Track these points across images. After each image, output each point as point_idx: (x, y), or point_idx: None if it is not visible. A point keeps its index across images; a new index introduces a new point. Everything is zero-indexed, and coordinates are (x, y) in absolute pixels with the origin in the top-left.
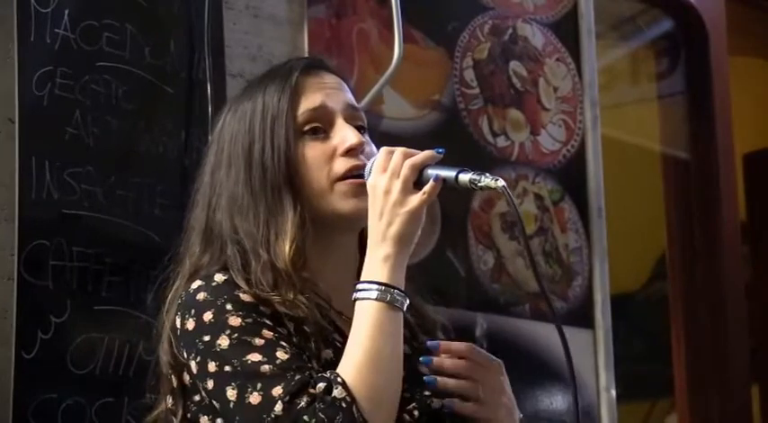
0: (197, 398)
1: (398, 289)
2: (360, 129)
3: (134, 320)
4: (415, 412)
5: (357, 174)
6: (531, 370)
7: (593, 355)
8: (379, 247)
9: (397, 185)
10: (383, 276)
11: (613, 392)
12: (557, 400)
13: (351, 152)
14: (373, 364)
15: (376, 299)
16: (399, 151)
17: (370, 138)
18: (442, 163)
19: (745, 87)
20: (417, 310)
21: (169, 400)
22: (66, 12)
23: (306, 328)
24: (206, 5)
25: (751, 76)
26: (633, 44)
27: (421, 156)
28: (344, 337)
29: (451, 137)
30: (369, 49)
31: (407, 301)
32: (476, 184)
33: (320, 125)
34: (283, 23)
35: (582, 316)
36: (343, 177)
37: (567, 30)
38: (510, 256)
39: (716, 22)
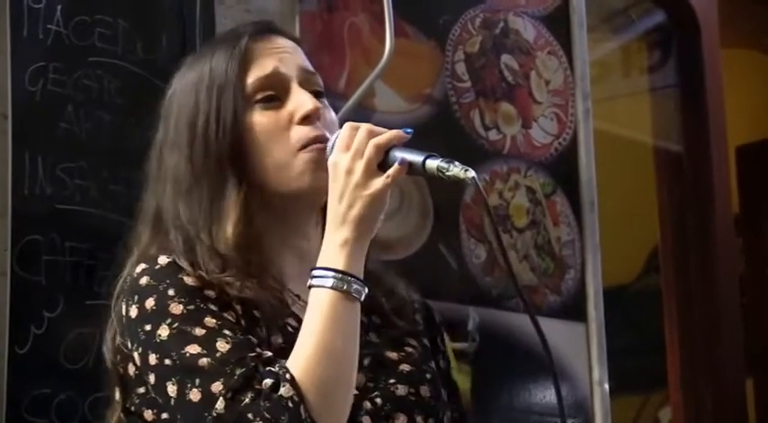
0: (141, 390)
1: (356, 277)
2: (317, 94)
3: None
4: (378, 400)
5: (315, 145)
6: (523, 363)
7: (586, 348)
8: (338, 230)
9: (360, 166)
10: (340, 263)
11: (606, 386)
12: (550, 394)
13: (307, 119)
14: (325, 359)
15: (332, 287)
16: (364, 128)
17: None
18: (410, 145)
19: (737, 79)
20: (390, 290)
21: (117, 393)
22: (59, 7)
23: (256, 312)
24: (197, 0)
25: (743, 68)
26: (625, 37)
27: (387, 135)
28: (300, 323)
29: (443, 130)
30: (360, 43)
31: (365, 290)
32: (443, 173)
33: (274, 93)
34: (275, 18)
35: (575, 309)
36: (305, 146)
37: (558, 23)
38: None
39: (708, 14)
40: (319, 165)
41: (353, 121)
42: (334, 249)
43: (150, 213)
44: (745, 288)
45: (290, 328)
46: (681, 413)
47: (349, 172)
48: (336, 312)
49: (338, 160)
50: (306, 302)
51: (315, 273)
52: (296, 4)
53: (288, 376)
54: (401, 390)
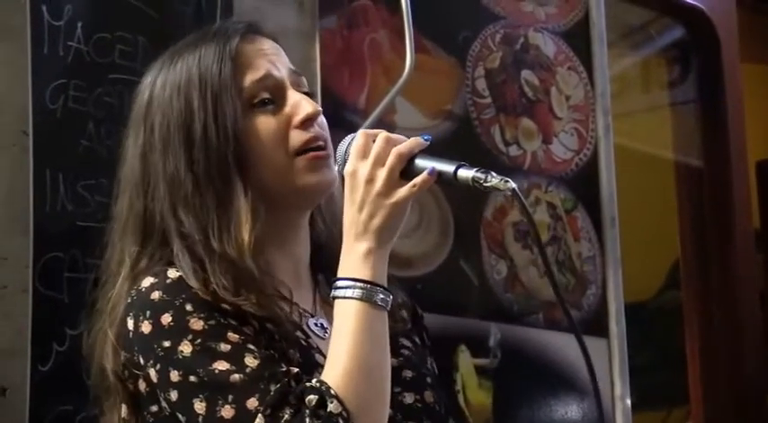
0: (154, 408)
1: (383, 287)
2: (306, 95)
3: None
4: (389, 410)
5: (315, 146)
6: (545, 379)
7: (607, 364)
8: (360, 240)
9: (382, 174)
10: (366, 274)
11: (628, 401)
12: (572, 410)
13: (306, 123)
14: (363, 372)
15: (361, 299)
16: (382, 136)
17: None
18: (428, 151)
19: (757, 94)
20: None
21: (123, 410)
22: (79, 24)
23: (269, 325)
24: (217, 17)
25: (763, 84)
26: (645, 52)
27: (408, 144)
28: (304, 333)
29: (464, 146)
30: (381, 60)
31: (391, 298)
32: (479, 183)
33: (269, 96)
34: (295, 35)
35: (596, 325)
36: (302, 151)
37: (578, 38)
38: (523, 266)
39: (727, 30)
40: (319, 165)
41: None
42: (357, 259)
43: (137, 220)
44: (766, 303)
45: (301, 341)
46: None
47: (370, 180)
48: (367, 323)
49: (357, 168)
50: (305, 310)
51: (339, 283)
52: (316, 21)
53: (332, 392)
54: (408, 398)
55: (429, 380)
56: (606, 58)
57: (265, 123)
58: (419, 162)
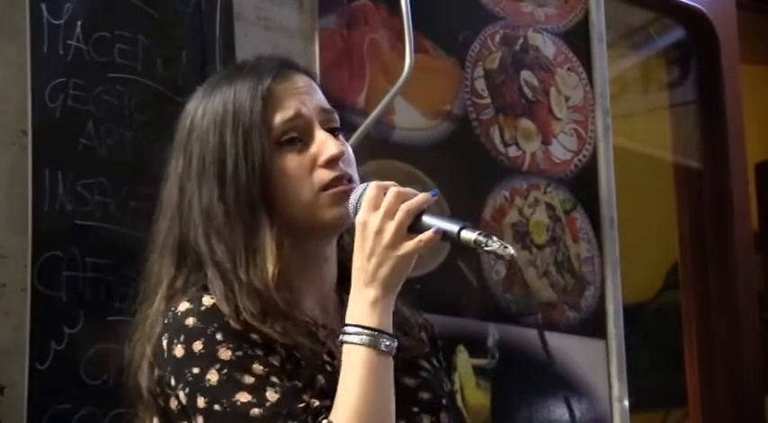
0: None
1: (388, 333)
2: (335, 130)
3: None
4: None
5: (339, 184)
6: (543, 380)
7: (605, 365)
8: (368, 288)
9: (391, 228)
10: (373, 321)
11: (626, 402)
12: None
13: (331, 163)
14: (370, 412)
15: (368, 345)
16: (393, 191)
17: (381, 148)
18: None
19: (756, 96)
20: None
21: (155, 422)
22: (79, 23)
23: (297, 353)
24: (217, 17)
25: (763, 85)
26: (644, 53)
27: (417, 200)
28: (331, 355)
29: (463, 147)
30: (380, 60)
31: (395, 344)
32: (480, 246)
33: (297, 135)
34: (295, 34)
35: (594, 326)
36: (326, 188)
37: (578, 39)
38: (522, 267)
39: (727, 31)
40: (343, 198)
41: (373, 136)
42: (364, 307)
43: (172, 242)
44: (765, 304)
45: (327, 367)
46: None
47: (379, 232)
48: (373, 368)
49: (367, 220)
50: (332, 330)
51: (347, 329)
52: (315, 20)
53: None
54: (425, 419)
55: (444, 402)
56: (606, 59)
57: (292, 161)
58: (426, 219)
